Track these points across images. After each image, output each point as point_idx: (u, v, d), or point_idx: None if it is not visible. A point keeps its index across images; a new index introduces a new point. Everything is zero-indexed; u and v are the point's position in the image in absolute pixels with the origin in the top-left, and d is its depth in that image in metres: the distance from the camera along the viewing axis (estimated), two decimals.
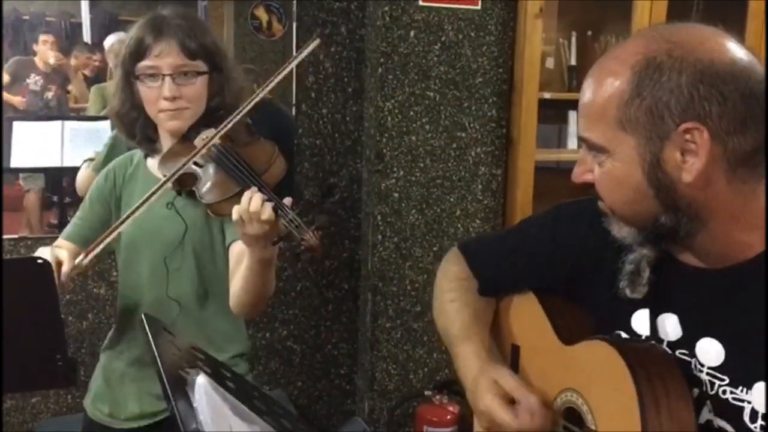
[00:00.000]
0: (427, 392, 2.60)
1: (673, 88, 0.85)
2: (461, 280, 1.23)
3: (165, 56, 1.42)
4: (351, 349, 2.83)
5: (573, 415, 1.01)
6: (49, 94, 4.65)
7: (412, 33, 2.47)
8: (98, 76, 4.94)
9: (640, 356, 0.91)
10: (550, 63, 2.81)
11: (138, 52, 1.43)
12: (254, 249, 1.29)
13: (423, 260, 2.60)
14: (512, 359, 1.16)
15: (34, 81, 4.52)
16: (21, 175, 3.68)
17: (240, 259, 1.40)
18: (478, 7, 2.50)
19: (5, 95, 4.19)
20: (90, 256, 1.29)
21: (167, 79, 1.41)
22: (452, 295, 1.22)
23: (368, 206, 2.62)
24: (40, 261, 1.10)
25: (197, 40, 1.44)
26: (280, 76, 1.40)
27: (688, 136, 0.85)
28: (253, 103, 1.38)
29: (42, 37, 4.59)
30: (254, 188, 1.26)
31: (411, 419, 2.62)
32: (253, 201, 1.23)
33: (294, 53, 2.65)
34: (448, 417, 2.52)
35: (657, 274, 0.97)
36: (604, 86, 0.89)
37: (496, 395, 1.05)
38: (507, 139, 2.62)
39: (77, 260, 1.32)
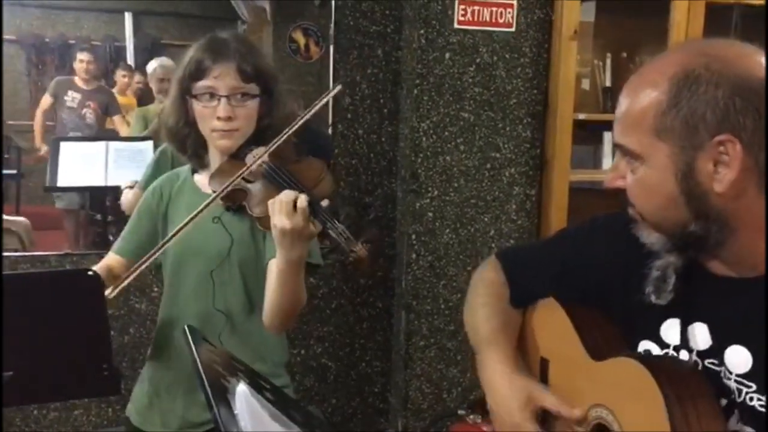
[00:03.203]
0: (460, 411, 2.59)
1: (709, 101, 0.87)
2: (495, 287, 1.24)
3: (223, 78, 1.47)
4: (385, 368, 2.84)
5: (602, 431, 1.02)
6: (87, 111, 4.78)
7: (447, 55, 2.51)
8: (141, 99, 5.08)
9: (670, 375, 0.92)
10: (585, 84, 2.82)
11: (197, 72, 1.49)
12: (284, 246, 1.32)
13: (457, 279, 2.61)
14: (541, 373, 1.17)
15: (71, 98, 4.66)
16: (54, 195, 3.79)
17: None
18: (513, 30, 2.53)
19: (39, 118, 4.33)
20: (138, 270, 1.33)
21: (223, 100, 1.47)
22: (485, 299, 1.23)
23: (403, 225, 2.65)
24: (90, 273, 1.15)
25: (253, 63, 1.50)
26: (309, 114, 1.44)
27: (721, 148, 0.87)
28: (299, 124, 1.43)
29: (79, 56, 4.73)
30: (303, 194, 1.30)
31: None
32: (288, 192, 1.28)
33: (331, 75, 2.71)
34: None
35: (685, 282, 0.99)
36: (643, 95, 0.92)
37: (531, 413, 1.06)
38: (541, 159, 2.64)
39: (128, 275, 1.36)
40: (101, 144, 3.63)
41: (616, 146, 0.97)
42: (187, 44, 1.56)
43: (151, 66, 3.86)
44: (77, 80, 4.66)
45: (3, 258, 2.58)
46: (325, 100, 1.44)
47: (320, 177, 1.43)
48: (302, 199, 1.28)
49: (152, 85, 3.69)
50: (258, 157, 1.44)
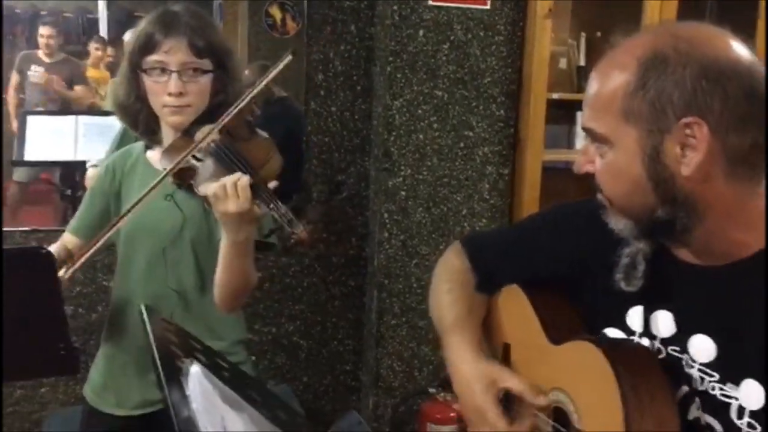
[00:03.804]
0: (431, 389, 2.61)
1: (677, 81, 0.86)
2: (460, 273, 1.24)
3: (174, 53, 1.44)
4: (356, 346, 2.84)
5: (561, 414, 1.02)
6: (52, 84, 4.67)
7: (421, 32, 2.48)
8: (113, 72, 4.98)
9: (625, 357, 0.92)
10: (562, 64, 2.81)
11: (147, 46, 1.45)
12: (229, 229, 1.33)
13: (429, 258, 2.61)
14: (503, 357, 1.17)
15: (34, 72, 4.56)
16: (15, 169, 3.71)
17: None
18: (488, 7, 2.51)
19: (11, 94, 4.24)
20: (91, 252, 1.31)
21: (174, 75, 1.44)
22: (449, 286, 1.23)
23: (375, 204, 2.64)
24: (43, 251, 1.13)
25: (205, 38, 1.47)
26: (257, 90, 1.41)
27: (688, 131, 0.86)
28: (247, 100, 1.40)
29: (41, 30, 4.63)
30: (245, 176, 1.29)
31: (415, 416, 2.63)
32: (230, 177, 1.28)
33: (304, 50, 2.67)
34: (452, 414, 2.53)
35: (653, 269, 0.98)
36: (611, 77, 0.91)
37: (493, 396, 1.07)
38: (515, 138, 2.63)
39: (80, 256, 1.34)
40: (70, 118, 3.56)
41: (585, 130, 0.96)
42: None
43: (128, 36, 3.79)
44: (40, 54, 4.54)
45: None
46: (275, 72, 1.40)
47: (268, 157, 1.41)
48: (243, 181, 1.28)
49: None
50: (206, 135, 1.41)
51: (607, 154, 0.92)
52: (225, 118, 1.39)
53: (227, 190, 1.27)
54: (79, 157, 3.28)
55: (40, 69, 4.42)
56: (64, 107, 4.11)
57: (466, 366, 1.12)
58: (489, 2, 2.49)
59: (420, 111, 2.53)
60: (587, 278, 1.08)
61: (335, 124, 2.69)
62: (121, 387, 1.58)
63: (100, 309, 2.51)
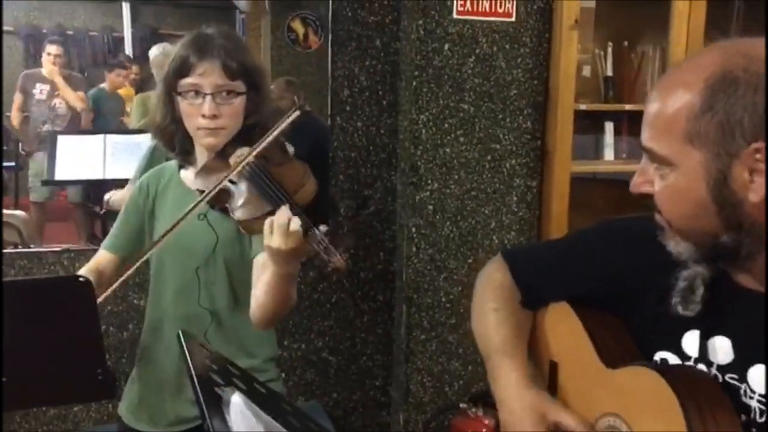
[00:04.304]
0: (462, 405, 2.59)
1: (747, 105, 0.83)
2: (504, 289, 1.21)
3: (207, 76, 1.45)
4: (386, 361, 2.83)
5: None
6: (57, 101, 4.74)
7: (446, 46, 2.48)
8: (139, 89, 5.05)
9: (688, 386, 0.89)
10: (586, 72, 2.79)
11: (182, 69, 1.47)
12: (278, 264, 1.32)
13: (458, 272, 2.59)
14: (550, 377, 1.15)
15: (39, 90, 4.62)
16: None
17: (263, 272, 1.43)
18: (513, 19, 2.50)
19: (14, 114, 4.31)
20: (124, 277, 1.33)
21: (208, 98, 1.45)
22: (495, 304, 1.19)
23: (403, 218, 2.63)
24: (81, 279, 1.14)
25: (238, 60, 1.48)
26: (270, 138, 1.40)
27: (758, 156, 0.83)
28: (280, 129, 1.40)
29: (48, 48, 4.69)
30: (286, 206, 1.29)
31: None
32: (281, 213, 1.27)
33: (329, 65, 2.68)
34: (483, 430, 2.51)
35: (711, 293, 0.95)
36: (675, 97, 0.87)
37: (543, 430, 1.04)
38: (542, 150, 2.61)
39: (115, 283, 1.36)
40: (99, 137, 3.61)
41: (644, 150, 0.92)
42: (185, 34, 1.53)
43: (153, 52, 3.82)
44: (44, 71, 4.59)
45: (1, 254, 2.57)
46: (283, 125, 1.40)
47: (303, 181, 1.41)
48: (295, 223, 1.26)
49: (153, 71, 3.66)
50: (242, 160, 1.41)
51: (668, 176, 0.89)
52: (261, 144, 1.40)
53: (280, 228, 1.26)
54: (108, 176, 3.32)
55: (46, 87, 4.47)
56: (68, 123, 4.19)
57: (515, 394, 1.09)
58: (514, 14, 2.48)
59: (446, 125, 2.52)
60: (639, 298, 1.05)
61: (361, 139, 2.70)
62: (156, 405, 1.60)
63: (131, 327, 2.53)
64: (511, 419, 1.09)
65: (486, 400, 2.60)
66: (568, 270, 1.16)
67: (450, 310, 2.61)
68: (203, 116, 1.46)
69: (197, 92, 1.46)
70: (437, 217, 2.56)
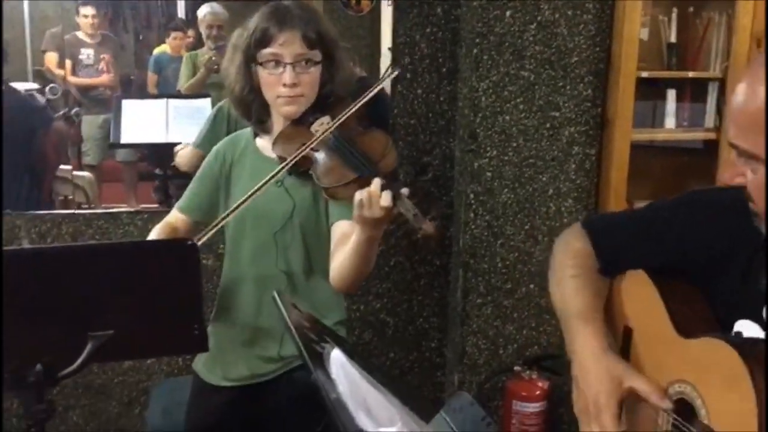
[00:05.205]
0: (516, 367, 2.65)
1: None
2: (583, 257, 1.24)
3: (288, 45, 1.51)
4: (441, 323, 2.90)
5: (683, 407, 1.03)
6: (102, 64, 4.84)
7: (507, 13, 2.48)
8: (194, 49, 5.09)
9: (762, 361, 0.91)
10: (644, 36, 2.75)
11: (262, 40, 1.53)
12: (366, 229, 1.38)
13: (514, 239, 2.63)
14: (624, 342, 1.19)
15: (86, 56, 4.72)
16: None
17: (342, 239, 1.49)
18: None
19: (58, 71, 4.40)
20: (204, 239, 1.41)
21: (288, 67, 1.51)
22: (574, 271, 1.23)
23: (461, 185, 2.67)
24: (189, 243, 1.23)
25: (316, 30, 1.53)
26: (378, 86, 1.46)
27: None
28: (364, 101, 1.46)
29: (83, 11, 4.76)
30: (378, 179, 1.34)
31: (500, 393, 2.68)
32: (374, 186, 1.32)
33: (388, 35, 2.71)
34: (538, 392, 2.57)
35: None
36: (757, 93, 0.87)
37: (617, 399, 1.07)
38: (602, 118, 2.61)
39: (202, 239, 1.43)
40: (161, 101, 3.71)
41: (731, 146, 0.93)
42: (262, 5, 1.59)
43: (202, 11, 3.85)
44: (82, 35, 4.70)
45: (74, 215, 2.70)
46: (382, 83, 1.46)
47: (386, 151, 1.46)
48: (386, 196, 1.31)
49: (201, 30, 3.71)
50: (327, 129, 1.47)
51: (758, 170, 0.90)
52: (346, 114, 1.46)
53: (375, 199, 1.31)
54: (170, 139, 3.41)
55: (90, 51, 4.57)
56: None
57: (592, 359, 1.12)
58: None
59: (506, 92, 2.53)
60: (724, 268, 1.07)
61: (421, 106, 2.73)
62: (229, 361, 1.69)
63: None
64: (586, 383, 1.13)
65: (540, 364, 2.65)
66: (650, 239, 1.18)
67: (506, 275, 2.66)
68: (284, 85, 1.51)
69: (277, 62, 1.52)
70: (495, 184, 2.59)
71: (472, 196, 2.59)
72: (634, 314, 1.19)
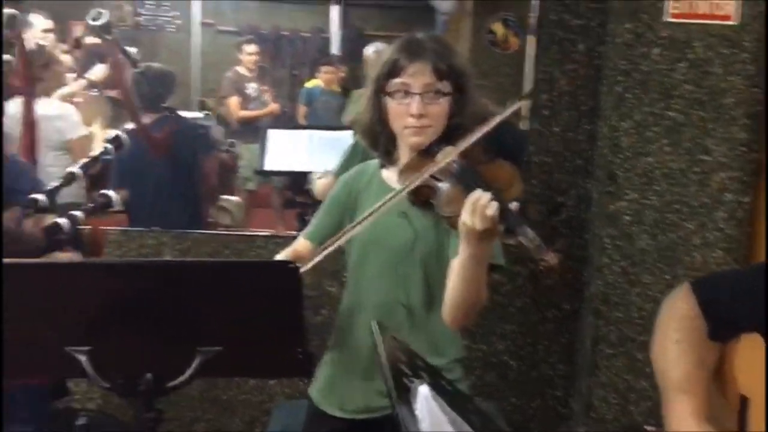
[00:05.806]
0: (648, 427, 2.46)
1: None
2: (689, 320, 1.16)
3: (417, 75, 1.52)
4: (568, 372, 2.76)
5: None
6: (266, 95, 5.21)
7: (655, 50, 2.36)
8: (345, 88, 5.34)
9: None
10: None
11: (392, 70, 1.54)
12: (469, 243, 1.35)
13: (652, 288, 2.47)
14: (740, 411, 1.08)
15: (253, 90, 5.09)
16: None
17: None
18: (733, 22, 2.32)
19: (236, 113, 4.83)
20: (323, 254, 1.42)
21: (416, 97, 1.51)
22: (678, 335, 1.15)
23: (596, 228, 2.55)
24: (291, 266, 1.25)
25: (448, 62, 1.53)
26: (505, 116, 1.43)
27: None
28: (489, 129, 1.43)
29: (246, 48, 5.17)
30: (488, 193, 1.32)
31: None
32: (484, 197, 1.31)
33: (530, 71, 2.66)
34: None
35: None
36: None
37: None
38: (758, 164, 2.41)
39: (313, 260, 1.46)
40: (305, 132, 3.87)
41: None
42: (389, 35, 1.61)
43: (368, 51, 4.00)
44: (244, 71, 5.06)
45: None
46: (505, 116, 1.42)
47: (512, 181, 1.42)
48: (492, 207, 1.29)
49: (368, 70, 3.87)
50: (449, 155, 1.45)
51: None
52: (470, 141, 1.44)
53: (480, 209, 1.30)
54: (312, 169, 3.54)
55: (254, 85, 4.95)
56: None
57: None
58: (735, 17, 2.31)
59: (650, 132, 2.40)
60: None
61: (558, 144, 2.65)
62: (346, 391, 1.67)
63: (324, 312, 2.69)
64: None
65: None
66: (764, 299, 1.07)
67: (641, 326, 2.49)
68: (411, 115, 1.52)
69: (406, 92, 1.53)
70: (633, 228, 2.45)
71: (607, 240, 2.47)
72: (750, 381, 1.08)
